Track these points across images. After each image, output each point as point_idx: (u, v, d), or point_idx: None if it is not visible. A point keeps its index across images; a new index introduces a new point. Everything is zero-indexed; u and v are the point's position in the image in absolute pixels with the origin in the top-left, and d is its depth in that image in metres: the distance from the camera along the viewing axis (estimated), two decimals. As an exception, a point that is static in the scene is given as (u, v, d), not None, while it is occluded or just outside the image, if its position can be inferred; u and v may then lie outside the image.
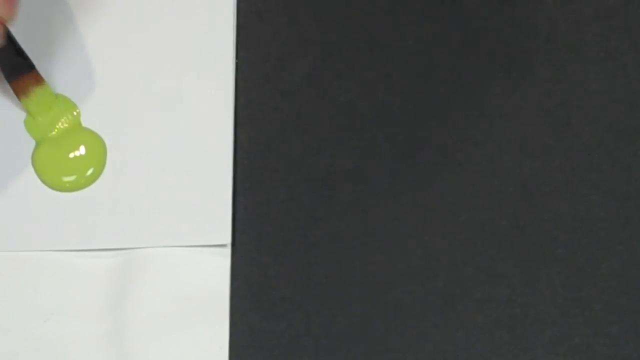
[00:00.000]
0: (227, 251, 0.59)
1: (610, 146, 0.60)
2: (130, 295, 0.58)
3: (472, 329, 0.57)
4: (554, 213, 0.59)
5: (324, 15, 0.64)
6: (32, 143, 0.61)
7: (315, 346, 0.57)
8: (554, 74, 0.62)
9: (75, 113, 0.62)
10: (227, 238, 0.59)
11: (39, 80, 0.60)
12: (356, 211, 0.59)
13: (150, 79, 0.62)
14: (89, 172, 0.60)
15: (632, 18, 0.63)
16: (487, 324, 0.57)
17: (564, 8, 0.63)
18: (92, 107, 0.62)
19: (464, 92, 0.62)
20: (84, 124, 0.62)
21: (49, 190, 0.60)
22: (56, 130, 0.61)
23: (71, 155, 0.61)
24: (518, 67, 0.62)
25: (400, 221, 0.59)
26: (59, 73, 0.62)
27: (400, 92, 0.62)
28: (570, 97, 0.61)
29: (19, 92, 0.60)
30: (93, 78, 0.62)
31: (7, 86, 0.61)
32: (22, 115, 0.62)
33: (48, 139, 0.61)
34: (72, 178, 0.60)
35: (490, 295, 0.57)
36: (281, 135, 0.61)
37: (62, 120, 0.61)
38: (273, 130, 0.61)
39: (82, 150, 0.61)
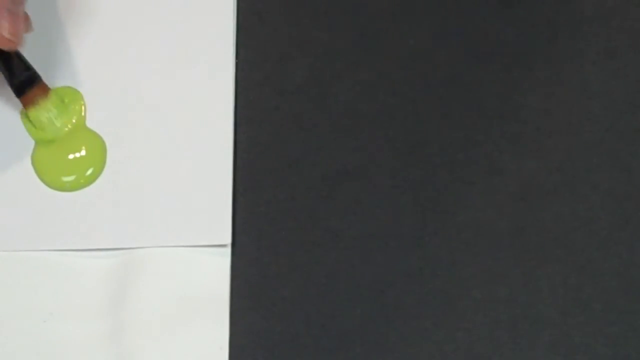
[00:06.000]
0: (227, 251, 0.59)
1: (610, 146, 0.60)
2: (130, 295, 0.58)
3: (472, 329, 0.57)
4: (554, 213, 0.59)
5: (324, 15, 0.64)
6: (32, 143, 0.61)
7: (315, 346, 0.57)
8: (554, 74, 0.62)
9: (77, 107, 0.62)
10: (227, 238, 0.59)
11: (45, 90, 0.60)
12: (356, 211, 0.59)
13: (150, 79, 0.62)
14: (89, 172, 0.60)
15: (632, 18, 0.63)
16: (487, 324, 0.57)
17: (564, 8, 0.63)
18: (91, 107, 0.62)
19: (464, 92, 0.62)
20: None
21: (49, 190, 0.60)
22: (57, 127, 0.61)
23: (71, 155, 0.61)
24: (518, 67, 0.62)
25: (400, 221, 0.59)
26: (59, 73, 0.62)
27: (400, 92, 0.62)
28: (570, 97, 0.61)
29: (27, 104, 0.60)
30: (93, 78, 0.63)
31: (7, 87, 0.61)
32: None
33: (48, 139, 0.61)
34: (72, 178, 0.60)
35: (490, 295, 0.57)
36: (281, 135, 0.61)
37: (66, 119, 0.61)
38: (273, 130, 0.61)
39: (81, 150, 0.61)
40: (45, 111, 0.60)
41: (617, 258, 0.58)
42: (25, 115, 0.61)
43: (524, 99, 0.61)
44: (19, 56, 0.59)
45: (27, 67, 0.60)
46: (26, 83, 0.60)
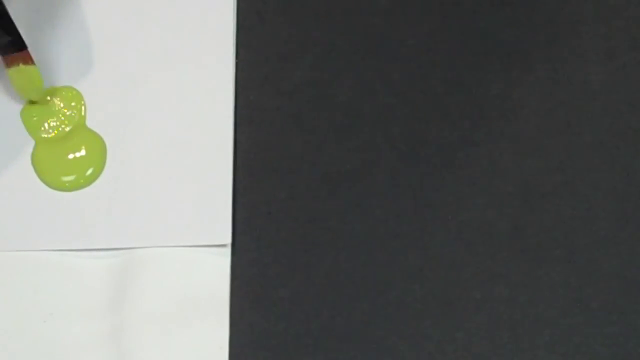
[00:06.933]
0: (227, 251, 0.59)
1: (610, 146, 0.60)
2: (130, 295, 0.58)
3: (472, 329, 0.57)
4: (554, 213, 0.59)
5: (324, 15, 0.64)
6: (32, 143, 0.61)
7: (315, 346, 0.57)
8: (554, 74, 0.62)
9: (77, 107, 0.62)
10: (227, 238, 0.59)
11: (29, 59, 0.60)
12: (356, 211, 0.59)
13: (150, 78, 0.62)
14: (89, 172, 0.60)
15: (632, 18, 0.63)
16: (487, 324, 0.57)
17: (564, 8, 0.63)
18: (91, 107, 0.62)
19: (464, 92, 0.62)
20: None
21: (49, 190, 0.60)
22: (57, 126, 0.61)
23: (71, 155, 0.61)
24: (518, 67, 0.62)
25: (400, 221, 0.59)
26: (59, 73, 0.62)
27: (400, 92, 0.62)
28: (570, 97, 0.61)
29: (10, 64, 0.60)
30: (93, 78, 0.63)
31: (7, 86, 0.61)
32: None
33: (48, 138, 0.61)
34: (71, 178, 0.60)
35: (490, 295, 0.57)
36: (281, 135, 0.61)
37: (64, 115, 0.61)
38: (273, 130, 0.61)
39: (81, 150, 0.61)
40: (26, 74, 0.60)
41: (617, 258, 0.58)
42: (25, 115, 0.61)
43: (524, 99, 0.61)
44: (9, 19, 0.58)
45: (15, 33, 0.59)
46: (12, 46, 0.59)
